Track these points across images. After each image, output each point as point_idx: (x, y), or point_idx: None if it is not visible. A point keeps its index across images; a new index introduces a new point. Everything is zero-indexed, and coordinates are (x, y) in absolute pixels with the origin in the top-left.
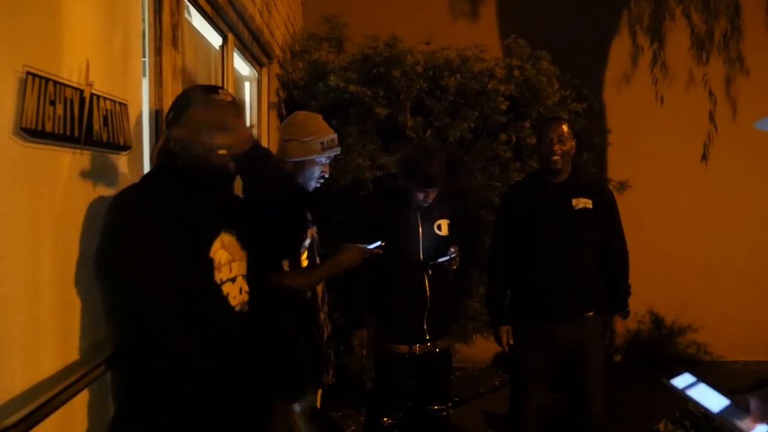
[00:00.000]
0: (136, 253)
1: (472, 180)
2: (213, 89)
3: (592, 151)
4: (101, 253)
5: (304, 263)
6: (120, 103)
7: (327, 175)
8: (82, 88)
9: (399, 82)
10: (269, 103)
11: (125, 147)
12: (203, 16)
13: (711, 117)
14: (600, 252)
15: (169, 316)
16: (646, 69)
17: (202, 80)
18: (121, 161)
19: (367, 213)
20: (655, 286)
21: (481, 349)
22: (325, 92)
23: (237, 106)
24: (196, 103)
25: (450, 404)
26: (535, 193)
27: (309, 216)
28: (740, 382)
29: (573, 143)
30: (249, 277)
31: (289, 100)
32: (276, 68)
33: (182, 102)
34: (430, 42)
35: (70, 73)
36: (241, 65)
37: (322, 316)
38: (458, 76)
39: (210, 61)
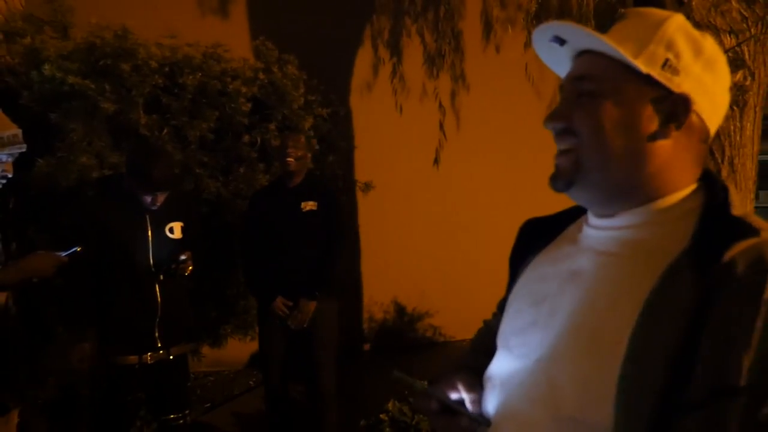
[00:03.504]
0: None
1: (213, 181)
2: None
3: (338, 154)
4: None
5: None
6: None
7: (10, 175)
8: None
9: (130, 76)
10: None
11: None
12: None
13: (441, 126)
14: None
15: None
16: (386, 80)
17: None
18: None
19: (89, 216)
20: (398, 277)
21: (237, 350)
22: (42, 82)
23: None
24: None
25: (188, 411)
26: (273, 196)
27: None
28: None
29: (308, 153)
30: None
31: (1, 87)
32: None
33: None
34: (175, 36)
35: None
36: None
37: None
38: (199, 74)
39: None
